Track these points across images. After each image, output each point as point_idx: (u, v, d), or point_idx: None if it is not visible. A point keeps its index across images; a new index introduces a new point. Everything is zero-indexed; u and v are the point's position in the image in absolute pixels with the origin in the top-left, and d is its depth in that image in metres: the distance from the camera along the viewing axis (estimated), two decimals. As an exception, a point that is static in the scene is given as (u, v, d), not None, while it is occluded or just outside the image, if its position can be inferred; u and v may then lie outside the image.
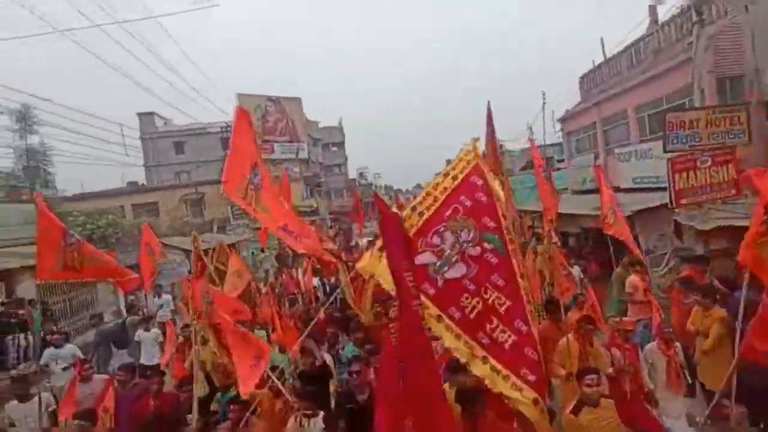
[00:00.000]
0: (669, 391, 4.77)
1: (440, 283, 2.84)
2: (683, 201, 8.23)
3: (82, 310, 12.82)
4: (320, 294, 11.89)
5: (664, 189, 8.87)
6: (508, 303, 2.83)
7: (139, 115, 37.39)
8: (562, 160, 21.11)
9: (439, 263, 2.89)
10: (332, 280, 12.20)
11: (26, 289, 11.03)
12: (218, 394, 5.54)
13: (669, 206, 8.47)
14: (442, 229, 2.92)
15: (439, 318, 2.90)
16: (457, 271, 2.86)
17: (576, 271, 8.54)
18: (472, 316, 2.83)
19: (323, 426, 4.28)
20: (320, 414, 4.37)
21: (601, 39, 17.71)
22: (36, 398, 5.03)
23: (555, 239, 7.44)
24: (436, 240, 2.91)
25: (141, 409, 4.88)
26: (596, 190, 15.69)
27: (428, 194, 3.13)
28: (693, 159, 8.21)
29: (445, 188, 3.11)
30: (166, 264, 15.42)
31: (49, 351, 7.09)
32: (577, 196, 15.97)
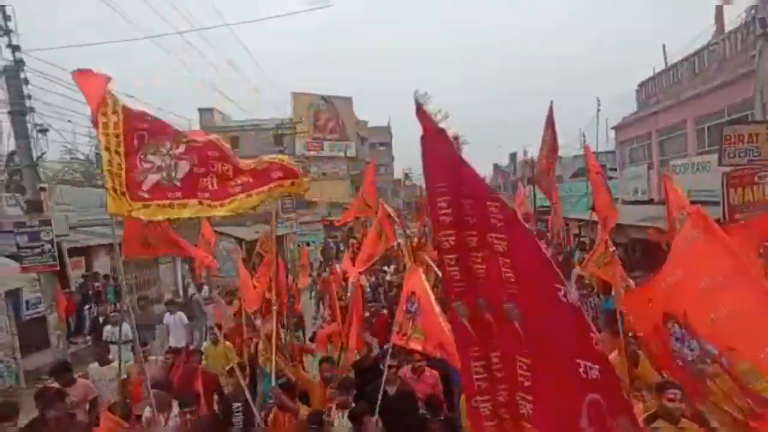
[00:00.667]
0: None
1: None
2: (737, 216, 8.02)
3: (148, 287, 14.02)
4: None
5: (718, 204, 8.66)
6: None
7: (200, 110, 39.53)
8: (614, 169, 20.60)
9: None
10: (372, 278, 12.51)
11: (102, 265, 12.24)
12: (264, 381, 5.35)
13: (722, 221, 8.28)
14: None
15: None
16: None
17: (633, 284, 8.29)
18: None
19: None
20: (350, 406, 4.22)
21: (663, 46, 17.20)
22: (115, 363, 5.34)
23: (613, 248, 7.23)
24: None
25: (187, 390, 4.93)
26: (647, 201, 15.36)
27: None
28: (751, 174, 7.99)
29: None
30: (220, 251, 16.44)
31: (107, 328, 7.42)
32: (627, 207, 15.60)
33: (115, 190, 3.09)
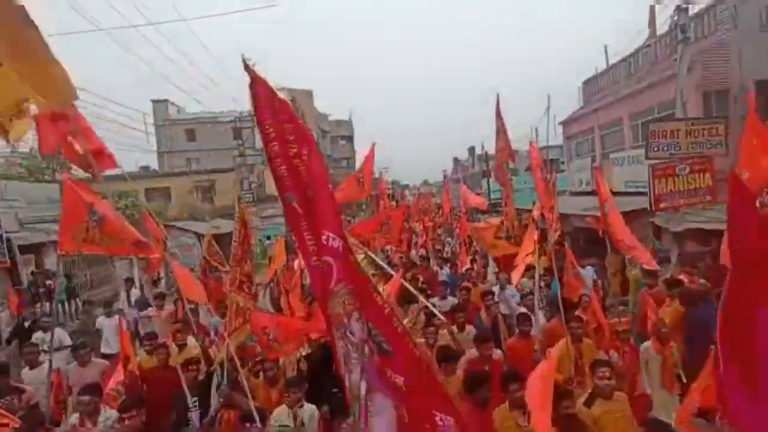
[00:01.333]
0: (663, 390, 4.65)
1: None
2: (662, 205, 8.91)
3: (102, 284, 13.75)
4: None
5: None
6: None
7: (154, 102, 38.27)
8: (562, 162, 21.74)
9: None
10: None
11: (52, 262, 11.93)
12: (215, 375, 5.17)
13: (648, 209, 9.15)
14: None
15: None
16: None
17: (589, 271, 8.14)
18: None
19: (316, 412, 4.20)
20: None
21: (605, 47, 18.30)
22: (45, 366, 5.00)
23: (557, 235, 7.59)
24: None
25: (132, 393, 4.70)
26: (593, 192, 16.40)
27: None
28: (672, 166, 8.89)
29: None
30: (179, 246, 16.28)
31: (37, 334, 6.92)
32: (573, 198, 16.62)
33: None
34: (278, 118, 2.28)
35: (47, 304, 9.94)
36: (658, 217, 9.19)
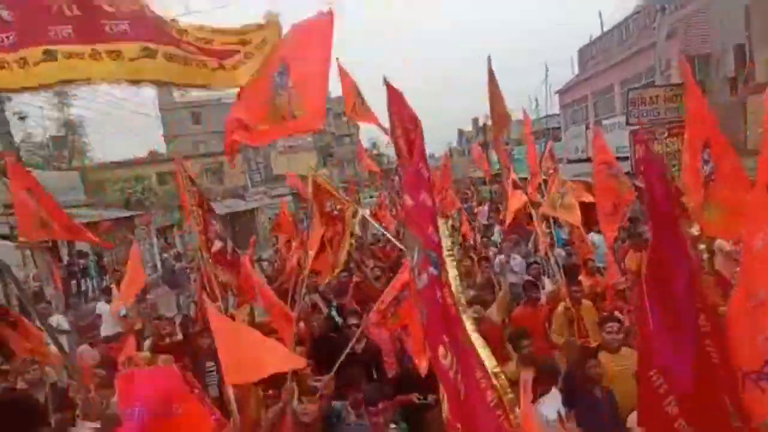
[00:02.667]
0: None
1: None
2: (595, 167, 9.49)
3: (124, 264, 14.74)
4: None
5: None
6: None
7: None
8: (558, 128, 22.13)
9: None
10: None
11: (82, 243, 12.93)
12: None
13: (630, 173, 9.78)
14: None
15: None
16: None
17: (598, 238, 7.85)
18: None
19: None
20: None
21: (599, 12, 18.49)
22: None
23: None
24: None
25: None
26: (586, 159, 16.94)
27: None
28: (652, 131, 9.46)
29: None
30: (190, 227, 17.17)
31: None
32: (569, 165, 17.17)
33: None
34: (403, 111, 2.35)
35: (83, 280, 10.96)
36: (639, 180, 9.81)
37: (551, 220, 9.45)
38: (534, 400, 3.26)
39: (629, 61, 13.36)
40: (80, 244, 13.05)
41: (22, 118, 8.51)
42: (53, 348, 4.38)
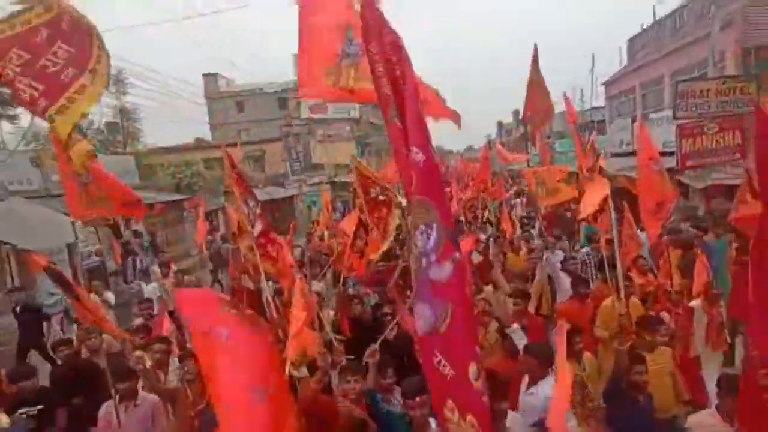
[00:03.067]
0: (707, 349, 4.66)
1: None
2: (689, 163, 9.25)
3: (175, 244, 15.69)
4: None
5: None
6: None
7: (205, 76, 40.11)
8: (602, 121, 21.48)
9: None
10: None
11: (137, 223, 13.88)
12: None
13: (675, 167, 9.53)
14: None
15: None
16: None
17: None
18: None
19: None
20: None
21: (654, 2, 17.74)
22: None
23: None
24: None
25: None
26: (631, 153, 16.43)
27: None
28: (700, 125, 9.14)
29: None
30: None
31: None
32: (613, 159, 16.72)
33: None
34: (383, 40, 2.18)
35: (138, 258, 11.78)
36: (684, 176, 9.55)
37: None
38: (534, 384, 3.40)
39: (681, 51, 12.85)
40: (136, 223, 14.02)
41: (90, 106, 9.33)
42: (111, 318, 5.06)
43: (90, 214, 4.31)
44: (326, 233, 9.76)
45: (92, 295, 6.31)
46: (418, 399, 2.90)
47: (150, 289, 8.05)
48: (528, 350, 3.62)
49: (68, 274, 10.44)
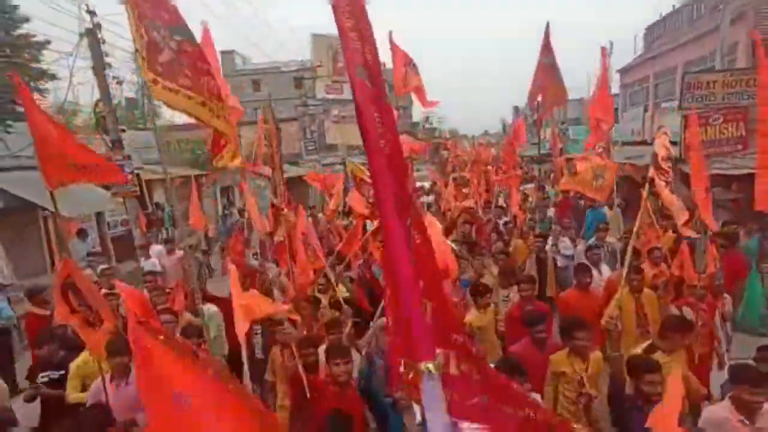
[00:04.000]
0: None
1: None
2: (690, 153, 9.50)
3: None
4: None
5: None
6: None
7: (222, 53, 40.43)
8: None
9: None
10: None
11: (160, 196, 14.55)
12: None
13: (678, 158, 9.80)
14: None
15: None
16: None
17: None
18: None
19: None
20: None
21: (671, -11, 17.57)
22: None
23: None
24: None
25: None
26: (641, 142, 16.52)
27: None
28: (706, 116, 9.39)
29: None
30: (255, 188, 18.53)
31: None
32: (623, 148, 16.85)
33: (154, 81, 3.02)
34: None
35: (164, 229, 12.50)
36: (685, 165, 9.81)
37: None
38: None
39: (695, 42, 12.90)
40: (157, 196, 14.68)
41: (119, 83, 9.83)
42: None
43: (68, 181, 3.98)
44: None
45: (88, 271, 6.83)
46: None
47: (150, 265, 8.20)
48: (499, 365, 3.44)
49: (96, 241, 11.19)
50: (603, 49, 8.56)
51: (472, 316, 4.89)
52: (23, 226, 9.59)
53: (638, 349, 3.68)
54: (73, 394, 3.91)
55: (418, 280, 1.74)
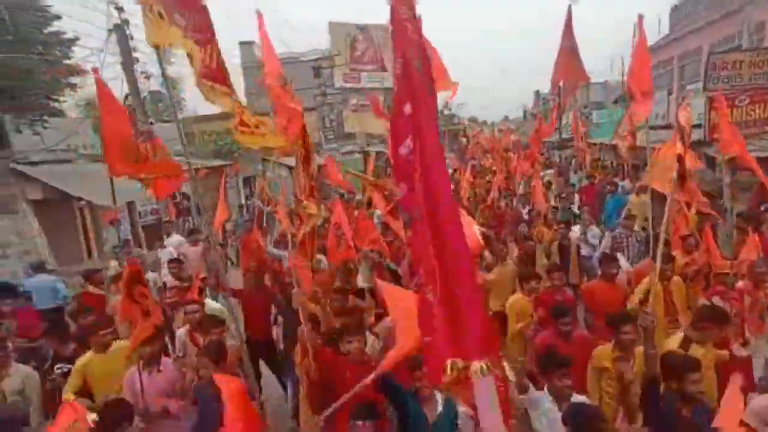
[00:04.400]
0: (749, 333, 4.32)
1: None
2: (716, 135, 9.34)
3: (215, 208, 16.81)
4: None
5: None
6: None
7: (241, 44, 40.72)
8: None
9: None
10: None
11: (185, 187, 14.97)
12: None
13: (702, 140, 9.65)
14: None
15: None
16: None
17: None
18: None
19: None
20: None
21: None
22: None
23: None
24: None
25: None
26: (665, 126, 16.14)
27: None
28: (732, 97, 9.19)
29: None
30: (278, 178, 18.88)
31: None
32: (649, 132, 16.50)
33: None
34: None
35: (190, 218, 12.94)
36: (710, 148, 9.66)
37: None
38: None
39: (722, 22, 12.53)
40: (185, 187, 15.15)
41: (147, 77, 10.21)
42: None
43: (128, 172, 4.22)
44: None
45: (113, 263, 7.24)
46: (417, 373, 3.04)
47: (167, 254, 8.25)
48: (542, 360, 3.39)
49: (128, 229, 11.69)
50: (640, 17, 8.36)
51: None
52: (60, 216, 10.11)
53: (672, 343, 3.52)
54: (66, 394, 3.84)
55: (478, 283, 1.92)
